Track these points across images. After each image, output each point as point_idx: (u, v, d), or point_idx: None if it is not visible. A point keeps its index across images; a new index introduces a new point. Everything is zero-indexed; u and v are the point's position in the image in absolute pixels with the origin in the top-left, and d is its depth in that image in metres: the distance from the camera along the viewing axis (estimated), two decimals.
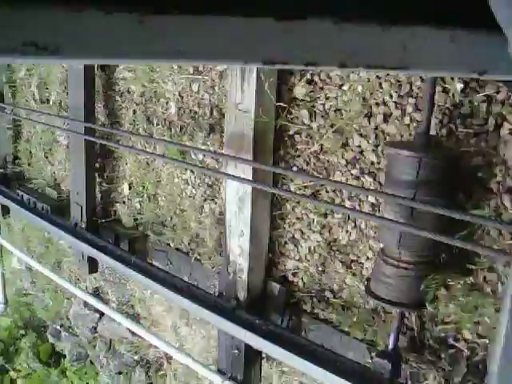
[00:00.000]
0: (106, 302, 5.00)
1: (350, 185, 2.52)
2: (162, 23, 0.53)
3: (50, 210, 4.52)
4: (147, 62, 0.57)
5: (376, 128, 2.46)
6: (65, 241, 4.46)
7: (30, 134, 5.15)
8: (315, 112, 2.68)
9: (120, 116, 3.97)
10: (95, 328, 5.45)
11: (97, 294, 5.24)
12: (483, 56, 0.67)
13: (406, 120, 2.35)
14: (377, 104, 2.43)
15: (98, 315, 5.34)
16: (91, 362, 5.83)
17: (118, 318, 4.38)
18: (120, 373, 5.25)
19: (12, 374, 6.89)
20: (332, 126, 2.61)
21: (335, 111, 2.60)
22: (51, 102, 4.66)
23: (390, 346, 2.34)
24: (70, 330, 5.94)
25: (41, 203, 4.62)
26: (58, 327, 6.17)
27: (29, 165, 5.27)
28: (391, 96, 2.38)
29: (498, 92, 2.08)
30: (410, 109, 2.32)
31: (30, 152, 5.20)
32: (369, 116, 2.47)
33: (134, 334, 4.71)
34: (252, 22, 0.56)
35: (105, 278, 5.10)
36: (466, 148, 2.18)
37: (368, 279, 2.50)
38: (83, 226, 4.13)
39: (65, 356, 6.22)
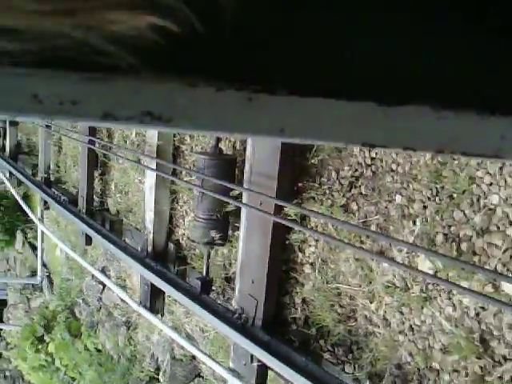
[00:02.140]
0: (108, 277, 6.83)
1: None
2: (269, 102, 0.56)
3: (68, 201, 6.45)
4: (250, 136, 0.65)
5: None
6: (72, 222, 6.34)
7: (67, 149, 7.19)
8: (194, 137, 4.42)
9: (112, 137, 5.88)
10: (100, 298, 7.30)
11: (103, 271, 7.08)
12: None
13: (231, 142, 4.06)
14: None
15: (101, 286, 7.18)
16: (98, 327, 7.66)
17: (111, 287, 6.15)
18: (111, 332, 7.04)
19: (47, 339, 8.86)
20: (199, 145, 4.34)
21: (202, 136, 4.33)
22: (78, 127, 6.66)
23: (204, 273, 3.97)
24: (86, 302, 7.82)
25: (63, 197, 6.57)
26: (80, 301, 8.07)
27: (65, 172, 7.30)
28: None
29: None
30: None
31: (65, 162, 7.23)
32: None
33: (122, 300, 6.48)
34: (354, 106, 0.59)
35: (108, 259, 6.95)
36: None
37: None
38: (84, 211, 6.01)
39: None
